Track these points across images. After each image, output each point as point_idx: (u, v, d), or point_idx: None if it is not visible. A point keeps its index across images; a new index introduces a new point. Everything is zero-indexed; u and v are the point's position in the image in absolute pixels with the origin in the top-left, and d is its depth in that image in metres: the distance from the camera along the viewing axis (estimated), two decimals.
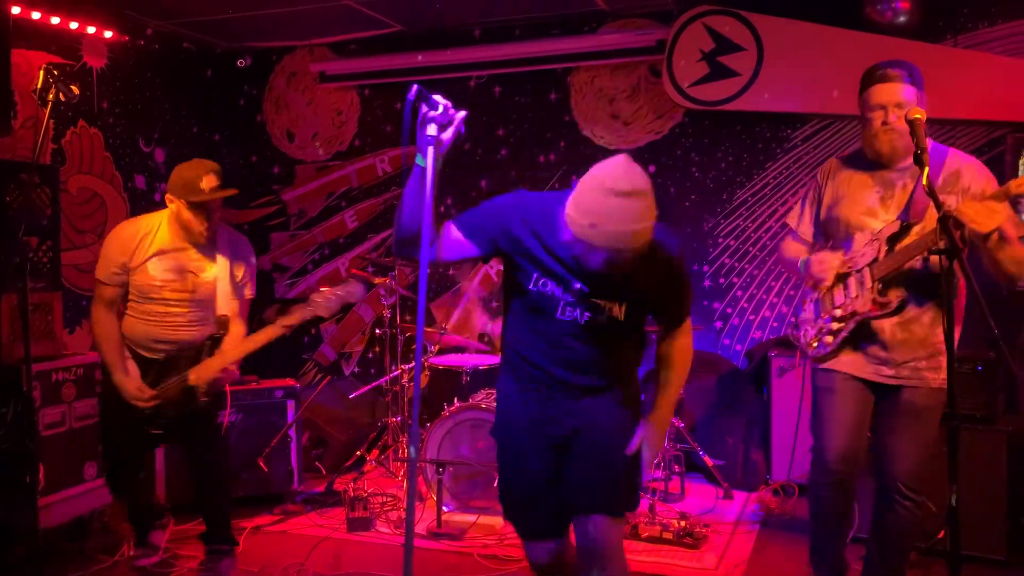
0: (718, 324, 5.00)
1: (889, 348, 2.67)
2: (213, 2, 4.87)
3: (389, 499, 4.25)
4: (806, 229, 2.89)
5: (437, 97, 1.99)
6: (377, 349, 5.72)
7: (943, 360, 2.61)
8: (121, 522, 3.85)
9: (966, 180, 2.61)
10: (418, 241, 1.97)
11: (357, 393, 4.76)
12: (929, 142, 2.47)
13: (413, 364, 4.52)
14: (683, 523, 3.73)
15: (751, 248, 4.93)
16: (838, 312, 2.72)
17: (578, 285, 2.16)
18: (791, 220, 2.96)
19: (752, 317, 4.93)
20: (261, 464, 4.21)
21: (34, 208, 3.69)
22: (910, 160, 2.51)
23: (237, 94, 6.05)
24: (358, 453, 4.63)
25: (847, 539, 2.99)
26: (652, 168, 5.12)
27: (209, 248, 3.32)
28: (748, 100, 4.65)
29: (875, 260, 2.64)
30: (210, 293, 3.34)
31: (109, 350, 3.29)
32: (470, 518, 3.90)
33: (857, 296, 2.67)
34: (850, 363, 2.74)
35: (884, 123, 2.61)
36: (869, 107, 2.65)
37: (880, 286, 2.62)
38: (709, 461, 4.41)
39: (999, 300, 4.10)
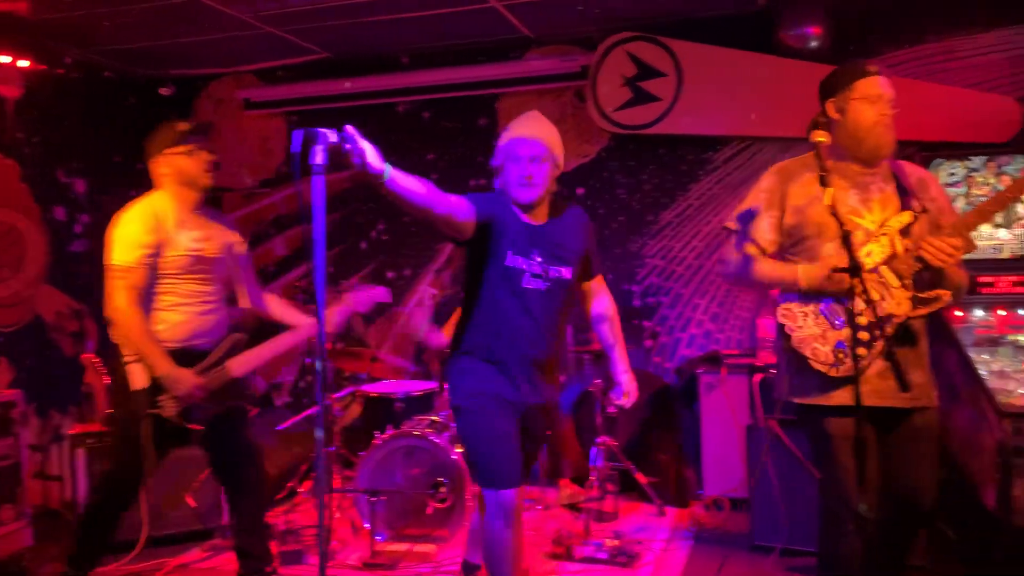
0: (648, 343, 5.08)
1: (905, 363, 2.38)
2: (134, 31, 4.79)
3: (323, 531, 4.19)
4: (765, 235, 2.58)
5: (329, 132, 2.13)
6: (309, 378, 5.65)
7: (932, 374, 2.53)
8: (45, 564, 3.72)
9: (933, 190, 2.58)
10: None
11: (285, 424, 4.69)
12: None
13: (344, 392, 4.48)
14: (617, 542, 3.76)
15: (677, 268, 5.03)
16: (863, 320, 2.38)
17: (537, 254, 2.72)
18: (740, 225, 2.64)
19: (680, 335, 5.02)
20: (189, 499, 4.11)
21: None
22: (883, 161, 2.53)
23: (161, 122, 5.94)
24: (289, 485, 4.56)
25: None
26: (581, 191, 5.20)
27: (210, 217, 3.36)
28: (670, 124, 4.77)
29: (893, 255, 2.44)
30: (230, 262, 3.39)
31: (150, 341, 3.08)
32: (404, 547, 3.87)
33: (883, 298, 2.42)
34: (868, 393, 2.37)
35: (884, 115, 2.49)
36: (866, 97, 2.49)
37: (911, 282, 2.43)
38: (642, 479, 4.47)
39: None
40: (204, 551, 4.03)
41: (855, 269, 2.20)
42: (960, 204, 4.01)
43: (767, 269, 2.56)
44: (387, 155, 2.31)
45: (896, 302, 2.41)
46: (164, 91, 5.67)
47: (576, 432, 4.98)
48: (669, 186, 5.02)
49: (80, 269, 5.17)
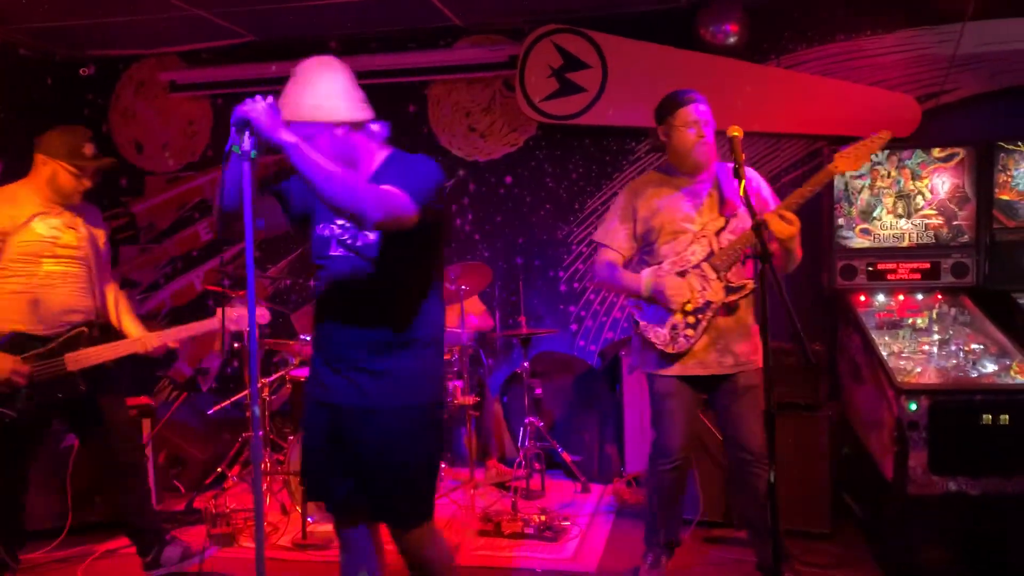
0: (573, 327, 5.24)
1: (726, 338, 3.05)
2: (53, 8, 4.67)
3: (252, 515, 4.21)
4: (622, 244, 3.17)
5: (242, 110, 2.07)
6: (236, 363, 5.62)
7: (758, 342, 3.05)
8: None
9: (756, 185, 3.09)
10: (240, 217, 2.06)
11: (215, 409, 4.68)
12: (715, 156, 3.05)
13: (274, 377, 4.49)
14: (543, 518, 3.90)
15: None
16: (690, 307, 3.01)
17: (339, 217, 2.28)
18: (604, 238, 3.21)
19: (604, 319, 5.20)
20: None
21: None
22: (709, 171, 3.08)
23: (80, 104, 5.81)
24: (219, 470, 4.56)
25: (681, 515, 3.35)
26: (508, 179, 5.31)
27: (76, 211, 3.34)
28: (595, 115, 4.92)
29: (711, 253, 3.02)
30: (95, 255, 3.36)
31: None
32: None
33: (704, 288, 3.01)
34: (693, 365, 3.06)
35: (700, 136, 3.00)
36: (685, 124, 3.02)
37: (725, 274, 3.00)
38: (567, 457, 4.62)
39: (822, 300, 4.54)
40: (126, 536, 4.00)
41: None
42: (865, 195, 4.27)
43: (623, 278, 3.16)
44: None
45: (713, 291, 3.01)
46: (84, 71, 5.53)
47: (504, 414, 5.11)
48: (594, 175, 5.18)
49: None
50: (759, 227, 2.29)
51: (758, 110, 4.70)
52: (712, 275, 3.02)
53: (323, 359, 2.36)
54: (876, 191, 4.26)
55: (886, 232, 4.24)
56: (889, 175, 4.26)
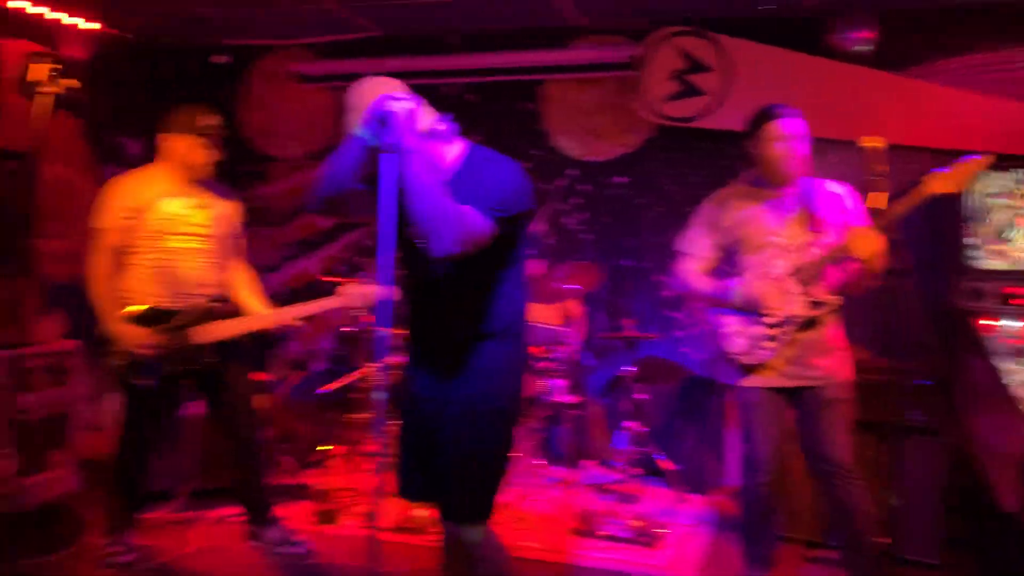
0: (678, 333, 5.16)
1: (809, 351, 3.04)
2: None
3: (356, 494, 4.34)
4: (705, 253, 3.20)
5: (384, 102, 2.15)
6: (347, 346, 5.79)
7: (845, 357, 3.10)
8: (91, 507, 3.89)
9: (847, 204, 3.08)
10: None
11: (325, 389, 4.84)
12: (807, 171, 3.05)
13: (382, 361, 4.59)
14: (639, 523, 3.87)
15: None
16: (770, 320, 3.03)
17: None
18: (686, 247, 3.26)
19: None
20: None
21: (14, 197, 3.74)
22: (796, 185, 3.08)
23: (215, 91, 6.08)
24: (325, 448, 4.71)
25: (775, 532, 3.34)
26: (621, 180, 5.28)
27: (208, 189, 3.52)
28: (715, 118, 4.83)
29: (797, 269, 3.02)
30: (224, 232, 3.53)
31: (103, 299, 3.32)
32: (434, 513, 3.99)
33: (788, 303, 3.01)
34: (776, 378, 3.07)
35: (789, 150, 3.03)
36: (774, 138, 3.05)
37: (808, 289, 3.00)
38: (666, 465, 4.57)
39: (944, 321, 4.33)
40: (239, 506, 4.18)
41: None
42: (1001, 215, 4.04)
43: (706, 286, 3.18)
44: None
45: (797, 305, 3.00)
46: (219, 60, 5.79)
47: (604, 416, 5.09)
48: (711, 180, 5.06)
49: None
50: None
51: (889, 121, 4.52)
52: (795, 289, 3.01)
53: (410, 348, 2.46)
54: (1014, 211, 4.03)
55: (1022, 255, 4.01)
56: None
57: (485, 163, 2.28)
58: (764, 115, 3.10)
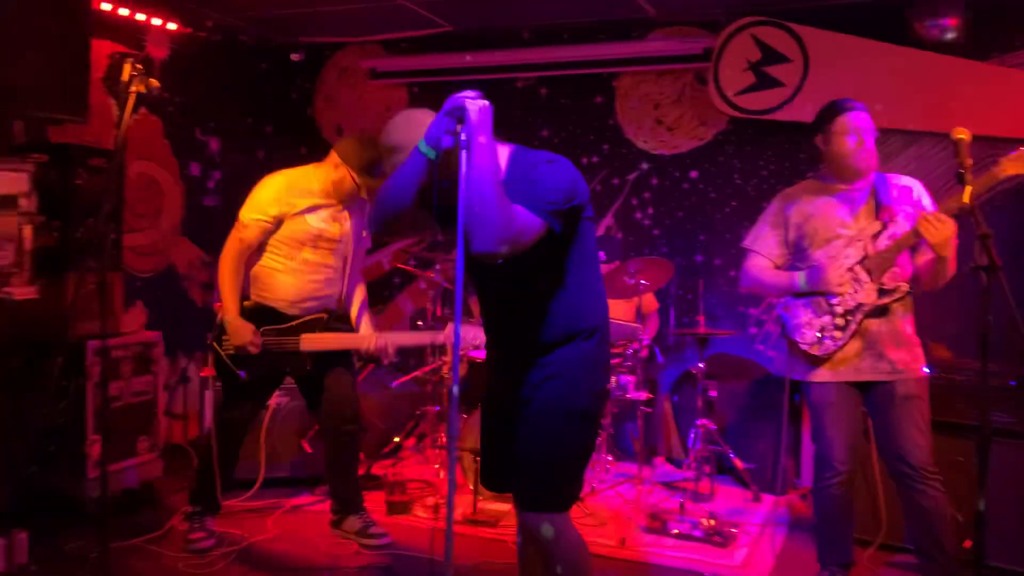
0: (752, 330, 5.07)
1: (880, 342, 2.98)
2: None
3: (426, 485, 4.39)
4: (773, 250, 3.19)
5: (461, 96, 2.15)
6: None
7: (920, 351, 3.04)
8: (173, 493, 4.02)
9: (915, 195, 3.05)
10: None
11: (399, 382, 4.91)
12: (875, 164, 3.02)
13: (451, 356, 4.64)
14: (712, 522, 3.82)
15: None
16: (839, 309, 3.00)
17: None
18: (753, 244, 3.25)
19: None
20: (305, 445, 4.37)
21: (102, 192, 3.87)
22: (866, 179, 3.05)
23: (290, 87, 6.22)
24: (396, 440, 4.77)
25: (852, 532, 3.23)
26: (694, 174, 5.21)
27: (349, 203, 3.60)
28: (792, 111, 4.73)
29: (865, 256, 2.99)
30: (353, 248, 3.63)
31: (230, 290, 3.43)
32: (504, 506, 4.01)
33: (857, 291, 2.98)
34: (846, 371, 3.02)
35: (860, 144, 2.99)
36: (844, 131, 3.01)
37: (879, 277, 2.96)
38: (739, 464, 4.50)
39: None
40: (315, 495, 4.28)
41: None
42: None
43: (773, 276, 3.17)
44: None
45: (866, 293, 2.96)
46: (295, 57, 5.91)
47: (674, 413, 5.04)
48: (787, 173, 4.97)
49: (212, 223, 5.49)
50: (986, 239, 2.13)
51: (975, 111, 4.35)
52: (865, 277, 2.97)
53: (490, 350, 2.52)
54: None
55: None
56: None
57: (533, 162, 2.26)
58: (832, 109, 3.07)
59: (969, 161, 2.35)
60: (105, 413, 2.86)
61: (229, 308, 3.42)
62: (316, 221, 3.49)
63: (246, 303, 3.52)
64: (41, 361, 3.68)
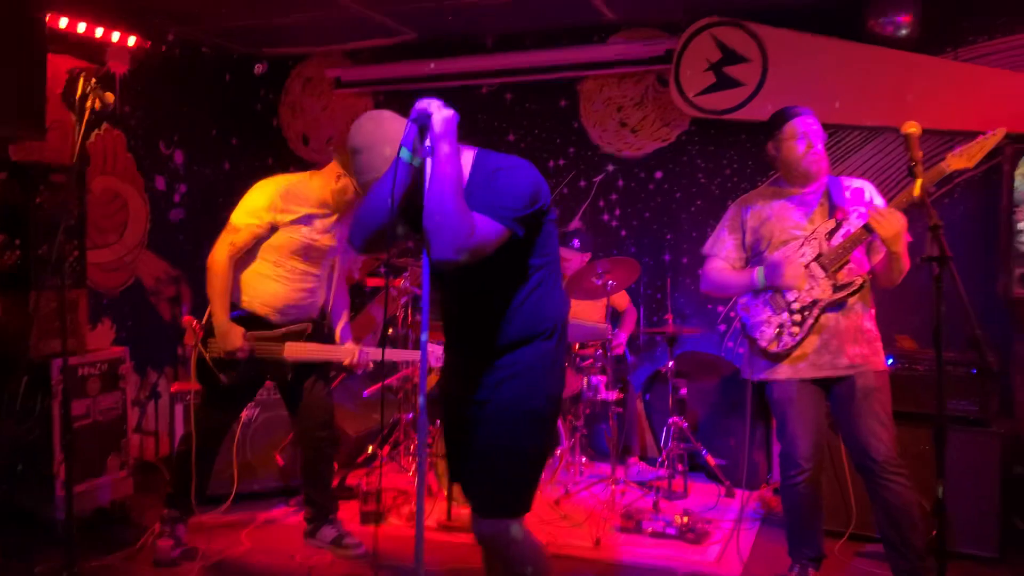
0: (721, 327, 5.12)
1: (838, 338, 3.02)
2: (233, 9, 5.00)
3: (400, 494, 4.38)
4: (731, 254, 3.26)
5: (427, 104, 2.17)
6: (389, 347, 5.84)
7: (879, 345, 3.09)
8: (145, 511, 3.98)
9: (868, 194, 3.11)
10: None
11: (370, 391, 4.89)
12: (825, 167, 3.09)
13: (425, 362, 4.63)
14: (686, 519, 3.85)
15: None
16: (796, 305, 3.05)
17: None
18: (711, 249, 3.32)
19: None
20: (277, 458, 4.35)
21: (63, 209, 3.83)
22: (819, 182, 3.12)
23: (254, 99, 6.19)
24: (370, 449, 4.76)
25: (822, 526, 3.26)
26: (659, 174, 5.25)
27: (342, 215, 3.58)
28: (752, 110, 4.78)
29: (820, 253, 3.05)
30: (341, 260, 3.64)
31: (221, 292, 3.40)
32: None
33: (812, 287, 3.03)
34: (805, 367, 3.06)
35: (809, 147, 3.07)
36: (793, 136, 3.08)
37: (833, 273, 3.01)
38: (711, 460, 4.54)
39: (997, 309, 4.24)
40: (290, 507, 4.25)
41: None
42: None
43: (732, 276, 3.23)
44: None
45: (821, 289, 3.02)
46: (259, 68, 5.88)
47: (647, 412, 5.07)
48: (749, 171, 5.04)
49: (177, 237, 5.46)
50: (936, 230, 2.17)
51: (931, 106, 4.43)
52: (820, 274, 3.02)
53: (448, 353, 2.49)
54: None
55: None
56: None
57: (496, 168, 2.25)
58: (781, 116, 3.15)
59: (919, 154, 2.40)
60: (67, 431, 2.82)
61: (219, 310, 3.39)
62: (309, 232, 3.46)
63: (232, 309, 3.47)
64: (5, 380, 3.64)
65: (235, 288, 3.47)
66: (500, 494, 2.30)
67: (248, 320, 3.48)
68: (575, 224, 5.39)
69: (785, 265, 3.05)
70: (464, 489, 2.46)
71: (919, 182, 2.33)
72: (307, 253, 3.49)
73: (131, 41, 4.94)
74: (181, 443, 3.60)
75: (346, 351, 3.62)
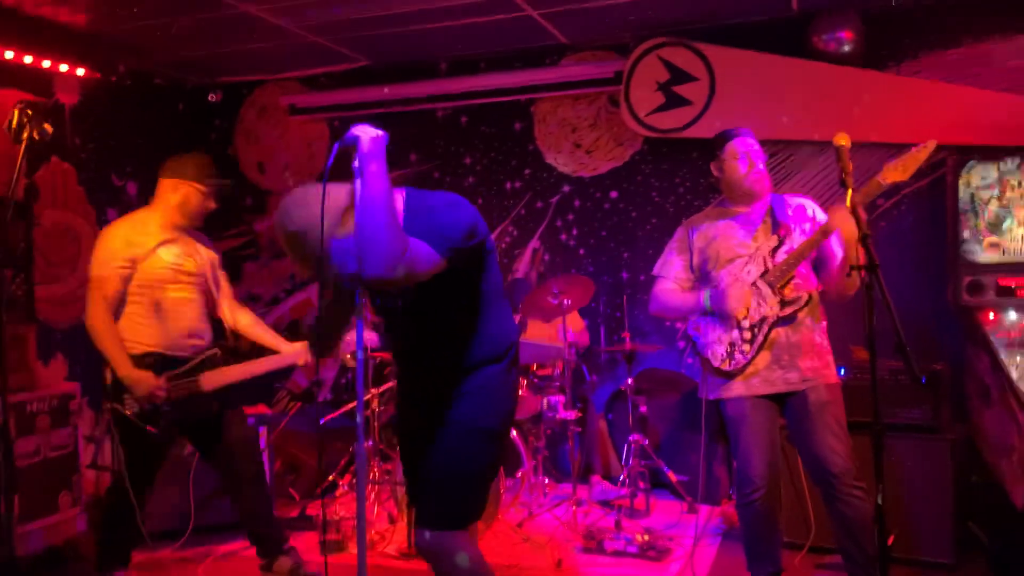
0: (681, 344, 5.14)
1: (789, 353, 3.04)
2: (184, 41, 4.99)
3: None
4: (680, 274, 3.27)
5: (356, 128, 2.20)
6: (349, 375, 5.81)
7: (830, 358, 3.11)
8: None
9: (809, 211, 3.16)
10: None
11: (327, 419, 4.85)
12: (768, 185, 3.14)
13: (384, 388, 4.62)
14: (647, 537, 3.84)
15: None
16: (746, 323, 3.06)
17: None
18: (660, 270, 3.33)
19: None
20: None
21: (8, 242, 3.78)
22: (762, 201, 3.16)
23: (208, 128, 6.17)
24: (331, 478, 4.71)
25: (780, 541, 3.24)
26: (614, 194, 5.29)
27: (193, 237, 3.57)
28: (702, 127, 4.84)
29: (766, 270, 3.07)
30: (211, 279, 3.57)
31: (115, 346, 3.32)
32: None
33: (760, 304, 3.05)
34: (758, 383, 3.06)
35: (751, 166, 3.12)
36: (734, 155, 3.13)
37: (780, 289, 3.04)
38: (673, 477, 4.54)
39: (947, 317, 4.30)
40: (248, 539, 4.17)
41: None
42: (993, 207, 4.03)
43: (679, 297, 3.24)
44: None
45: (769, 306, 3.03)
46: (212, 97, 5.87)
47: (609, 431, 5.07)
48: (702, 188, 5.09)
49: None
50: (866, 240, 2.20)
51: (876, 119, 4.51)
52: (767, 291, 3.04)
53: (399, 379, 2.56)
54: (1006, 202, 4.02)
55: (1017, 245, 3.99)
56: (1020, 185, 4.01)
57: (431, 205, 2.29)
58: (722, 137, 3.21)
59: (850, 166, 2.44)
60: (10, 470, 2.76)
61: (120, 363, 3.30)
62: (169, 256, 3.42)
63: (131, 355, 3.36)
64: None
65: (125, 336, 3.38)
66: (443, 507, 2.34)
67: (152, 364, 3.37)
68: (532, 245, 5.41)
69: (729, 295, 3.06)
70: (410, 501, 2.49)
71: (849, 192, 2.36)
72: (176, 278, 3.44)
73: (80, 72, 4.91)
74: (107, 502, 3.48)
75: (295, 352, 3.57)
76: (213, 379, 3.47)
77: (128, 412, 3.34)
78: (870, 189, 2.84)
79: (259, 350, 3.66)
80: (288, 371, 5.96)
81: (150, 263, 3.39)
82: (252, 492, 3.62)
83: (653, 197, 5.21)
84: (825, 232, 2.93)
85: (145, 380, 3.31)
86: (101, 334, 3.32)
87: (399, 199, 2.32)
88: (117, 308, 3.38)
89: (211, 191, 3.49)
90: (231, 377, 3.50)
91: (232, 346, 3.66)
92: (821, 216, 3.13)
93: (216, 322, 3.67)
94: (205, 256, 3.60)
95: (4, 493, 2.98)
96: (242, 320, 3.71)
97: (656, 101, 4.92)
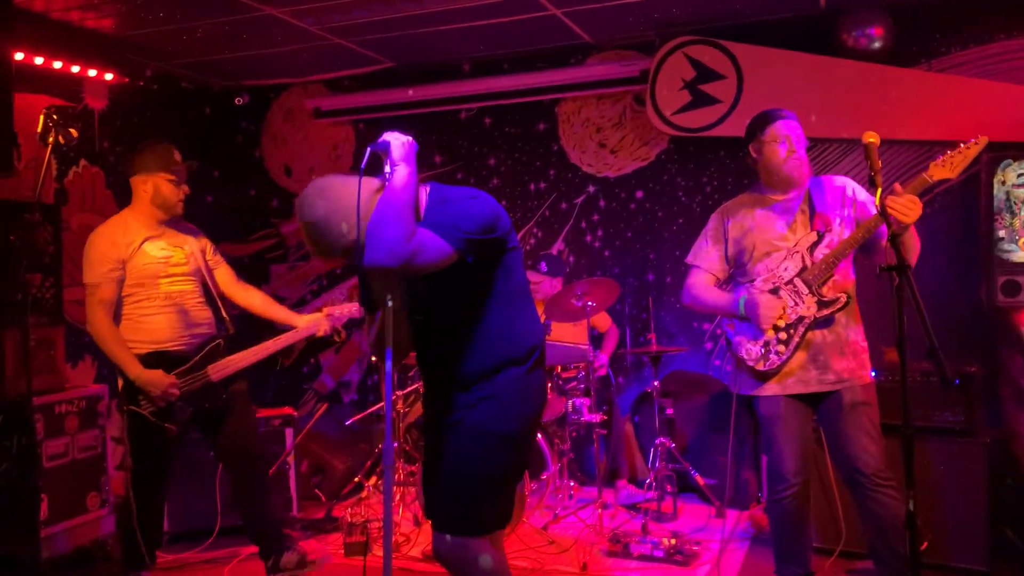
0: (708, 345, 5.09)
1: (824, 353, 2.98)
2: (210, 44, 5.02)
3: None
4: (714, 265, 3.19)
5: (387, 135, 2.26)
6: (376, 377, 5.81)
7: (866, 358, 3.05)
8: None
9: (850, 190, 3.06)
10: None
11: (353, 420, 4.85)
12: (807, 172, 3.02)
13: (409, 389, 4.61)
14: (674, 541, 3.79)
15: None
16: (782, 323, 3.00)
17: None
18: (695, 259, 3.25)
19: None
20: None
21: (36, 246, 3.82)
22: (799, 189, 3.06)
23: (235, 131, 6.21)
24: (356, 480, 4.71)
25: (810, 543, 3.22)
26: (640, 194, 5.24)
27: (178, 228, 3.58)
28: (730, 126, 4.77)
29: (803, 268, 3.00)
30: (204, 268, 3.58)
31: (121, 350, 3.36)
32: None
33: (797, 304, 2.99)
34: (793, 383, 3.02)
35: (791, 151, 3.01)
36: (775, 139, 3.03)
37: (818, 289, 2.97)
38: (701, 480, 4.48)
39: (981, 318, 4.21)
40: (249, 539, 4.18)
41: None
42: None
43: (716, 297, 3.16)
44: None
45: (806, 306, 2.97)
46: (239, 101, 5.90)
47: (636, 434, 5.02)
48: (730, 188, 5.02)
49: None
50: (895, 240, 2.16)
51: (907, 117, 4.43)
52: (804, 290, 2.98)
53: (423, 383, 2.55)
54: None
55: None
56: None
57: (453, 198, 2.29)
58: (763, 118, 3.10)
59: (879, 164, 2.39)
60: (36, 471, 2.78)
61: (129, 366, 3.34)
62: (155, 251, 3.45)
63: (138, 356, 3.40)
64: None
65: (129, 337, 3.42)
66: (455, 508, 2.31)
67: (157, 362, 3.40)
68: (557, 247, 5.38)
69: (761, 307, 3.00)
70: (426, 505, 2.46)
71: (879, 191, 2.31)
72: (168, 272, 3.46)
73: (108, 77, 4.96)
74: (130, 503, 3.49)
75: (313, 322, 3.57)
76: (221, 368, 3.49)
77: (146, 413, 3.37)
78: (916, 185, 2.77)
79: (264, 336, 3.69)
80: (315, 373, 5.98)
81: (138, 261, 3.42)
82: (250, 487, 3.63)
83: (679, 197, 5.16)
84: (869, 230, 2.87)
85: (157, 379, 3.34)
86: (105, 339, 3.37)
87: (423, 194, 2.33)
88: (116, 311, 3.42)
89: (180, 177, 3.51)
90: (238, 364, 3.52)
91: (233, 333, 3.66)
92: (863, 196, 3.04)
93: (216, 310, 3.69)
94: (195, 245, 3.62)
95: (31, 494, 3.04)
96: (254, 300, 3.72)
97: (682, 100, 4.86)
